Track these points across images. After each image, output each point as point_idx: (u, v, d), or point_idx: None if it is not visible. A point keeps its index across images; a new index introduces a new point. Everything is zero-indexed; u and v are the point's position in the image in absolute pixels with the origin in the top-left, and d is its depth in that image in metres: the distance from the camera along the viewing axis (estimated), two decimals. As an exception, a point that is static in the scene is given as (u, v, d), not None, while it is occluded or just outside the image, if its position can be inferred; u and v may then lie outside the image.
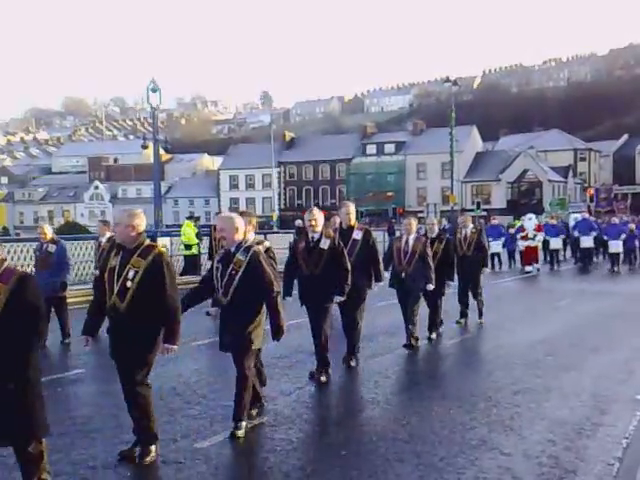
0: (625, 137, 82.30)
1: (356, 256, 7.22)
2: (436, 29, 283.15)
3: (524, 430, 5.35)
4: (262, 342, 5.31)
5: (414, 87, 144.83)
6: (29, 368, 3.61)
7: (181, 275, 16.93)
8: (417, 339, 8.43)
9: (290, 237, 19.45)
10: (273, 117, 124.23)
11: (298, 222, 21.74)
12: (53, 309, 8.97)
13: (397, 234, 9.95)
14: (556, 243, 21.68)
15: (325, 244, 6.66)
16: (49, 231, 9.28)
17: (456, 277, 9.69)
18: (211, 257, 14.95)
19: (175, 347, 4.61)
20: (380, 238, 24.29)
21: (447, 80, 43.95)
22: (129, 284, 4.51)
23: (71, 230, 39.09)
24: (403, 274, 8.30)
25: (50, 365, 7.86)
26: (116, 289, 4.56)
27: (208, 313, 7.75)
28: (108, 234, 10.09)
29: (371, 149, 71.27)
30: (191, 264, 17.15)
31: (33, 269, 9.84)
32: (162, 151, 68.40)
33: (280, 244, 14.21)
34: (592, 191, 62.34)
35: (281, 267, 6.87)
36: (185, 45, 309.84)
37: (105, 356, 7.23)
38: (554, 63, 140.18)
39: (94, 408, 6.06)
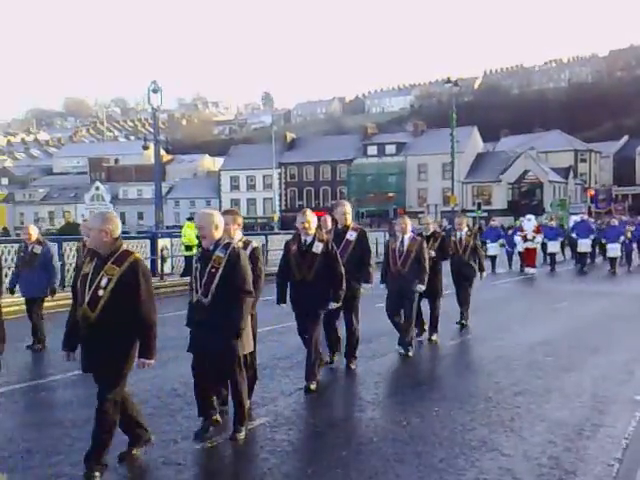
0: (625, 138, 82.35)
1: (349, 257, 7.12)
2: (437, 30, 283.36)
3: (524, 431, 5.35)
4: (249, 347, 5.14)
5: (415, 88, 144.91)
6: None
7: (182, 276, 16.95)
8: (412, 345, 8.28)
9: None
10: (274, 118, 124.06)
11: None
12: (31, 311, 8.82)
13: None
14: (553, 246, 21.46)
15: (318, 248, 6.42)
16: (34, 232, 9.00)
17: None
18: None
19: (151, 362, 4.38)
20: (381, 239, 24.30)
21: (448, 81, 43.95)
22: (101, 293, 4.26)
23: (72, 231, 39.13)
24: (398, 275, 8.14)
25: (49, 366, 7.88)
26: (87, 298, 4.30)
27: None
28: None
29: (372, 150, 71.31)
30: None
31: (14, 270, 9.49)
32: (163, 152, 68.42)
33: (281, 245, 14.18)
34: (592, 192, 62.36)
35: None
36: (186, 46, 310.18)
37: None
38: (555, 64, 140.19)
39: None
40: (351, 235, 7.29)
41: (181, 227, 20.58)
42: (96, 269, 4.32)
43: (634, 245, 21.49)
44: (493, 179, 65.40)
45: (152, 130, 22.91)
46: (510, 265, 21.76)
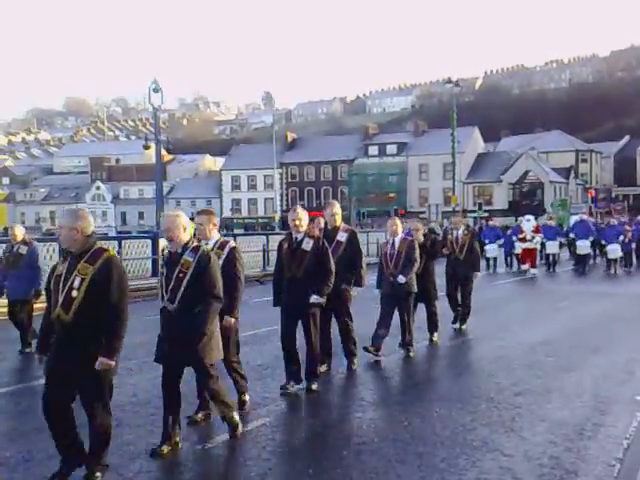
0: (626, 138, 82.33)
1: (339, 258, 6.96)
2: (438, 30, 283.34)
3: (525, 431, 5.36)
4: (218, 355, 4.90)
5: (416, 88, 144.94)
6: None
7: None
8: (412, 345, 8.24)
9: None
10: (275, 118, 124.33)
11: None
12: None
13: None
14: (552, 246, 21.26)
15: (308, 245, 6.29)
16: (20, 232, 8.88)
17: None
18: None
19: (111, 363, 4.09)
20: (382, 239, 24.31)
21: (449, 81, 44.04)
22: (74, 293, 4.06)
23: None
24: (391, 278, 8.00)
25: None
26: (60, 299, 4.11)
27: None
28: None
29: (373, 150, 71.31)
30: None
31: None
32: (164, 152, 68.56)
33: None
34: (594, 192, 62.30)
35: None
36: (187, 45, 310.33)
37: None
38: (556, 64, 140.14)
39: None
40: (342, 236, 7.18)
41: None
42: (69, 269, 4.15)
43: (633, 245, 21.40)
44: (494, 179, 65.39)
45: (153, 130, 22.90)
46: (507, 265, 21.69)
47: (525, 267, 20.03)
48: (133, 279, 14.96)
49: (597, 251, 23.21)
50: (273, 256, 19.95)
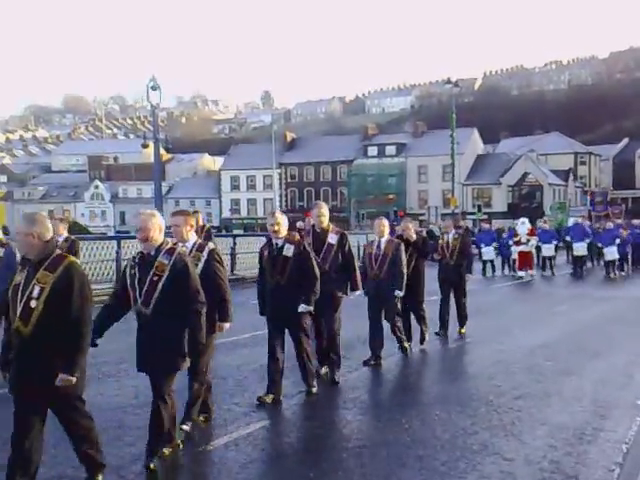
0: (625, 141, 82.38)
1: (331, 262, 6.78)
2: (437, 31, 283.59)
3: (525, 435, 5.37)
4: (187, 361, 4.64)
5: (415, 88, 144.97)
6: None
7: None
8: (405, 339, 8.21)
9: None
10: (274, 117, 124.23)
11: (299, 224, 21.70)
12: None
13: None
14: (548, 250, 21.12)
15: (289, 251, 6.05)
16: None
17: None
18: None
19: (72, 379, 3.83)
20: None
21: (448, 82, 44.10)
22: (33, 304, 3.79)
23: (71, 230, 39.02)
24: (376, 280, 7.77)
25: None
26: (19, 310, 3.84)
27: None
28: (65, 234, 9.11)
29: (372, 151, 71.29)
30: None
31: None
32: (162, 151, 68.54)
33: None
34: (591, 195, 62.36)
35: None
36: (186, 43, 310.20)
37: (105, 356, 7.26)
38: (555, 66, 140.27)
39: (96, 412, 6.06)
40: (332, 238, 6.90)
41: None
42: (28, 278, 3.88)
43: (628, 249, 21.26)
44: (493, 181, 65.39)
45: (151, 128, 22.90)
46: (504, 269, 21.54)
47: (521, 274, 19.82)
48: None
49: (594, 254, 23.05)
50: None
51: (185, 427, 5.12)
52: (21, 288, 3.89)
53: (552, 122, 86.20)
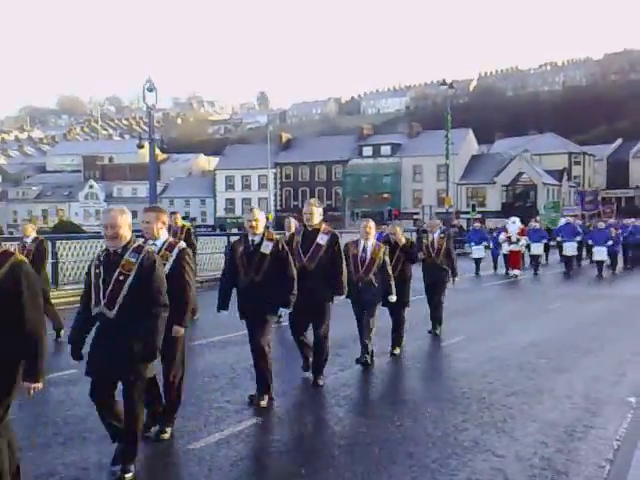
0: (619, 141, 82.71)
1: (318, 263, 6.52)
2: (433, 32, 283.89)
3: (516, 432, 5.38)
4: (153, 370, 4.47)
5: (410, 89, 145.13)
6: None
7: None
8: (372, 353, 7.64)
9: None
10: (270, 118, 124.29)
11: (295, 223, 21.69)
12: None
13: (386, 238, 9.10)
14: (537, 249, 21.04)
15: (267, 248, 5.87)
16: None
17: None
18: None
19: (39, 385, 3.55)
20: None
21: (443, 83, 43.99)
22: None
23: (65, 229, 39.04)
24: (360, 284, 7.43)
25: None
26: None
27: None
28: (34, 234, 9.23)
29: (367, 151, 71.42)
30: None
31: None
32: (158, 151, 68.51)
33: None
34: (579, 195, 62.61)
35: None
36: (182, 44, 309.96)
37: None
38: (550, 67, 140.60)
39: (87, 409, 6.05)
40: (322, 239, 6.59)
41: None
42: None
43: (619, 247, 21.20)
44: (487, 181, 65.58)
45: (147, 129, 22.86)
46: (495, 267, 21.46)
47: (516, 272, 19.81)
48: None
49: (585, 253, 23.00)
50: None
51: (166, 435, 5.07)
52: None
53: (547, 123, 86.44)
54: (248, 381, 6.71)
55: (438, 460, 4.72)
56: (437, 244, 9.73)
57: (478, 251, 21.23)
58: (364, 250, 7.55)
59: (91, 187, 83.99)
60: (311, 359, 6.87)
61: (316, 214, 6.68)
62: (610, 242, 20.08)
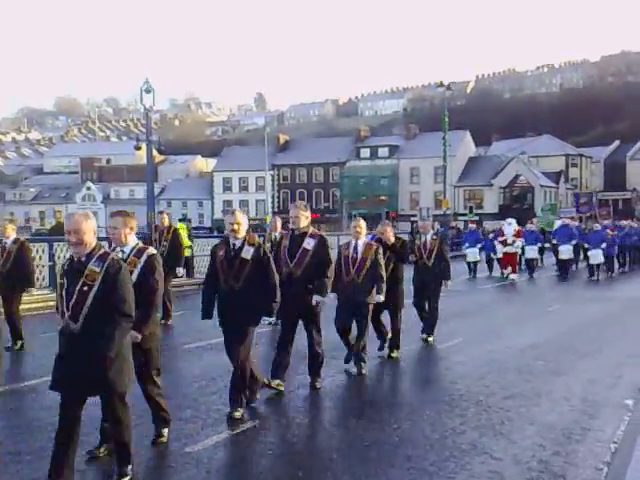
0: (616, 143, 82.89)
1: (305, 268, 6.30)
2: (430, 34, 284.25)
3: (514, 434, 5.38)
4: (130, 383, 4.26)
5: (408, 91, 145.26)
6: None
7: (173, 277, 16.92)
8: (365, 361, 7.47)
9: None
10: (267, 119, 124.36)
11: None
12: None
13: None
14: (531, 252, 20.78)
15: (248, 253, 5.58)
16: None
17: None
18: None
19: None
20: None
21: (441, 85, 44.05)
22: None
23: (63, 231, 38.94)
24: (352, 285, 7.29)
25: (38, 368, 7.83)
26: None
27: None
28: (14, 235, 8.98)
29: (365, 153, 71.48)
30: (184, 267, 17.21)
31: None
32: (155, 152, 68.40)
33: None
34: (575, 197, 62.75)
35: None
36: (179, 46, 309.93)
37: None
38: (547, 69, 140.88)
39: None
40: (308, 243, 6.33)
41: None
42: None
43: (614, 250, 21.08)
44: (485, 183, 65.68)
45: (144, 130, 22.82)
46: (491, 270, 21.39)
47: (506, 272, 19.71)
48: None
49: (581, 256, 22.90)
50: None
51: (163, 439, 5.01)
52: None
53: (544, 125, 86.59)
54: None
55: (436, 463, 4.72)
56: (429, 246, 9.39)
57: (473, 254, 21.05)
58: (355, 250, 7.40)
59: (88, 189, 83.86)
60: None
61: (303, 217, 6.40)
62: (604, 244, 19.92)
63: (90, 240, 4.02)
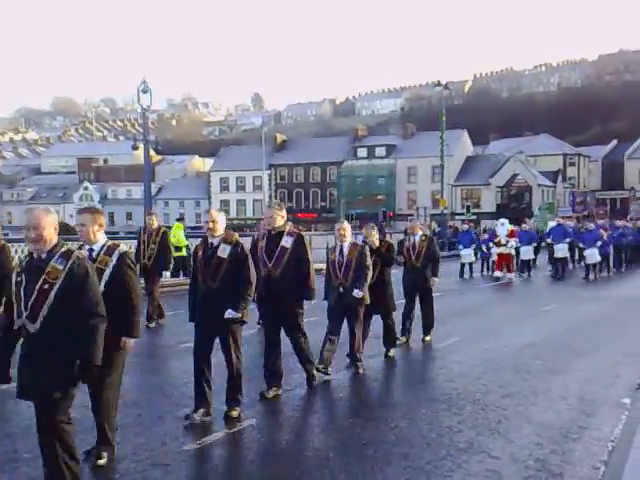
0: (614, 142, 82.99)
1: (284, 267, 6.22)
2: (428, 33, 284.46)
3: (511, 433, 5.38)
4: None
5: (405, 90, 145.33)
6: None
7: (171, 277, 16.95)
8: (361, 360, 7.46)
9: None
10: (264, 119, 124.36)
11: (290, 224, 21.69)
12: None
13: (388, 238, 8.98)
14: (526, 252, 20.57)
15: (224, 251, 5.49)
16: None
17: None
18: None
19: None
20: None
21: (438, 84, 44.10)
22: None
23: (60, 231, 38.90)
24: (341, 289, 7.22)
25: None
26: None
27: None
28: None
29: (362, 152, 71.44)
30: (181, 265, 17.27)
31: None
32: (152, 152, 68.28)
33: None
34: (571, 196, 62.88)
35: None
36: (176, 45, 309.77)
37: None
38: (544, 68, 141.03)
39: (81, 410, 6.03)
40: (286, 241, 6.28)
41: (170, 228, 20.54)
42: None
43: (610, 249, 21.00)
44: (482, 182, 65.67)
45: (141, 130, 22.82)
46: (483, 270, 21.27)
47: (498, 274, 19.55)
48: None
49: (577, 255, 22.83)
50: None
51: (101, 462, 4.57)
52: None
53: (541, 124, 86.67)
54: (244, 383, 6.68)
55: (433, 462, 4.72)
56: (418, 247, 9.30)
57: (467, 255, 20.78)
58: (341, 253, 7.35)
59: (86, 189, 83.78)
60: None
61: (278, 217, 6.34)
62: (599, 243, 19.77)
63: (50, 236, 3.80)
